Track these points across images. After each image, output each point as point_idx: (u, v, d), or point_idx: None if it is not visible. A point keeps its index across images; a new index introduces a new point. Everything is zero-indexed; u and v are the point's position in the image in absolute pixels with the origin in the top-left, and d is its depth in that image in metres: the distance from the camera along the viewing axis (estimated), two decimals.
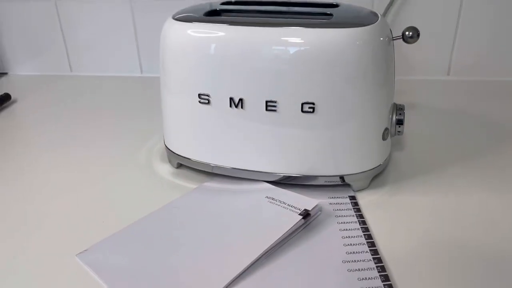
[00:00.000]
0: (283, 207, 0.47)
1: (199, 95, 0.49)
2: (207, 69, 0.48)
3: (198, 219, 0.47)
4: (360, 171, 0.50)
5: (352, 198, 0.50)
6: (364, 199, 0.50)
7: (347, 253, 0.42)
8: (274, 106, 0.47)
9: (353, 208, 0.48)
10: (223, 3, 0.56)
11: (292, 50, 0.45)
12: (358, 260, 0.41)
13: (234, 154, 0.51)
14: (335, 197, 0.50)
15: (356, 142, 0.49)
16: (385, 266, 0.40)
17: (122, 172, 0.58)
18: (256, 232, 0.44)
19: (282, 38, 0.45)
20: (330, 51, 0.44)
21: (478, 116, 0.70)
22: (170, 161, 0.58)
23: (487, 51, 0.81)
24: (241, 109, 0.48)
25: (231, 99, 0.48)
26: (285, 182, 0.51)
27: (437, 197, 0.50)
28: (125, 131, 0.68)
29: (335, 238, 0.44)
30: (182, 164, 0.56)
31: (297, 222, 0.44)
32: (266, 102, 0.47)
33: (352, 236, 0.44)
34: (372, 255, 0.42)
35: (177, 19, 0.51)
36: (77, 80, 0.90)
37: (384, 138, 0.51)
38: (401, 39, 0.49)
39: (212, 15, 0.52)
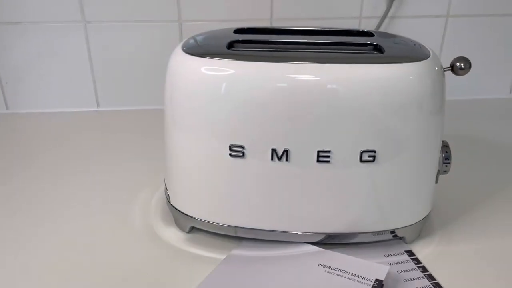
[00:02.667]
0: (348, 278, 0.39)
1: (231, 146, 0.40)
2: (240, 116, 0.39)
3: None
4: (414, 222, 0.44)
5: (410, 253, 0.44)
6: (422, 252, 0.44)
7: None
8: (328, 156, 0.39)
9: (418, 267, 0.42)
10: (236, 31, 0.47)
11: (350, 90, 0.38)
12: None
13: (271, 214, 0.42)
14: (391, 255, 0.43)
15: (413, 190, 0.43)
16: None
17: (115, 241, 0.46)
18: None
19: (338, 76, 0.38)
20: (395, 90, 0.38)
21: (480, 137, 0.68)
22: (178, 224, 0.47)
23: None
24: (286, 162, 0.39)
25: (273, 150, 0.39)
26: (327, 241, 0.43)
27: (498, 240, 0.46)
28: (97, 184, 0.55)
29: None
30: (194, 227, 0.46)
31: None
32: (318, 152, 0.39)
33: None
34: None
35: (190, 53, 0.40)
36: (15, 119, 0.74)
37: (436, 181, 0.45)
38: (450, 71, 0.44)
39: (231, 47, 0.43)
